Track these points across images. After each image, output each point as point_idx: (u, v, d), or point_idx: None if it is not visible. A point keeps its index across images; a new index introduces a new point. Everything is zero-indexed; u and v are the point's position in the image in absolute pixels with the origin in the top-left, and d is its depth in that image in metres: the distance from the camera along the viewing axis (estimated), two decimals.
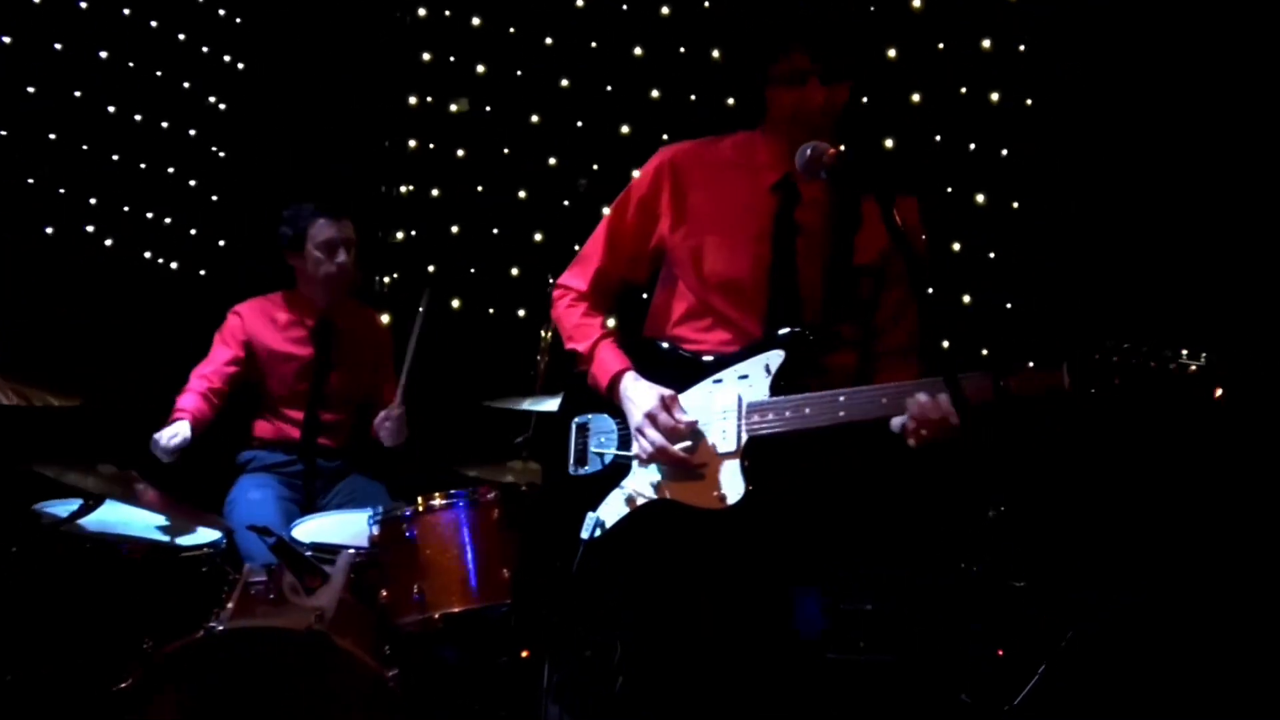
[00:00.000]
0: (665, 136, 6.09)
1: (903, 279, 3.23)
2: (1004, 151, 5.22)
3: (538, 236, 6.38)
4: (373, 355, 5.38)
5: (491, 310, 6.47)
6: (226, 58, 6.45)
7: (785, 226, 3.24)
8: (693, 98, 6.08)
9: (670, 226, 3.36)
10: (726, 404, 3.17)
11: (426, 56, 6.48)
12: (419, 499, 4.15)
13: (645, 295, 3.55)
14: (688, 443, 3.16)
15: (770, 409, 3.11)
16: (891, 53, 5.11)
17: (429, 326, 5.02)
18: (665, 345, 3.36)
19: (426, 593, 4.01)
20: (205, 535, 4.30)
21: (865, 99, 4.58)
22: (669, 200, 3.36)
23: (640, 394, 3.21)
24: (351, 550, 4.14)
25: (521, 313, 6.40)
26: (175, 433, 4.69)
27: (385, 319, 5.96)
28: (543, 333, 5.44)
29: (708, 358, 3.26)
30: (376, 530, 4.14)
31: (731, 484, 3.10)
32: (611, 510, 3.23)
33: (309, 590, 3.82)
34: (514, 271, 6.46)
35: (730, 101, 5.96)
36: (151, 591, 4.12)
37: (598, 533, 3.18)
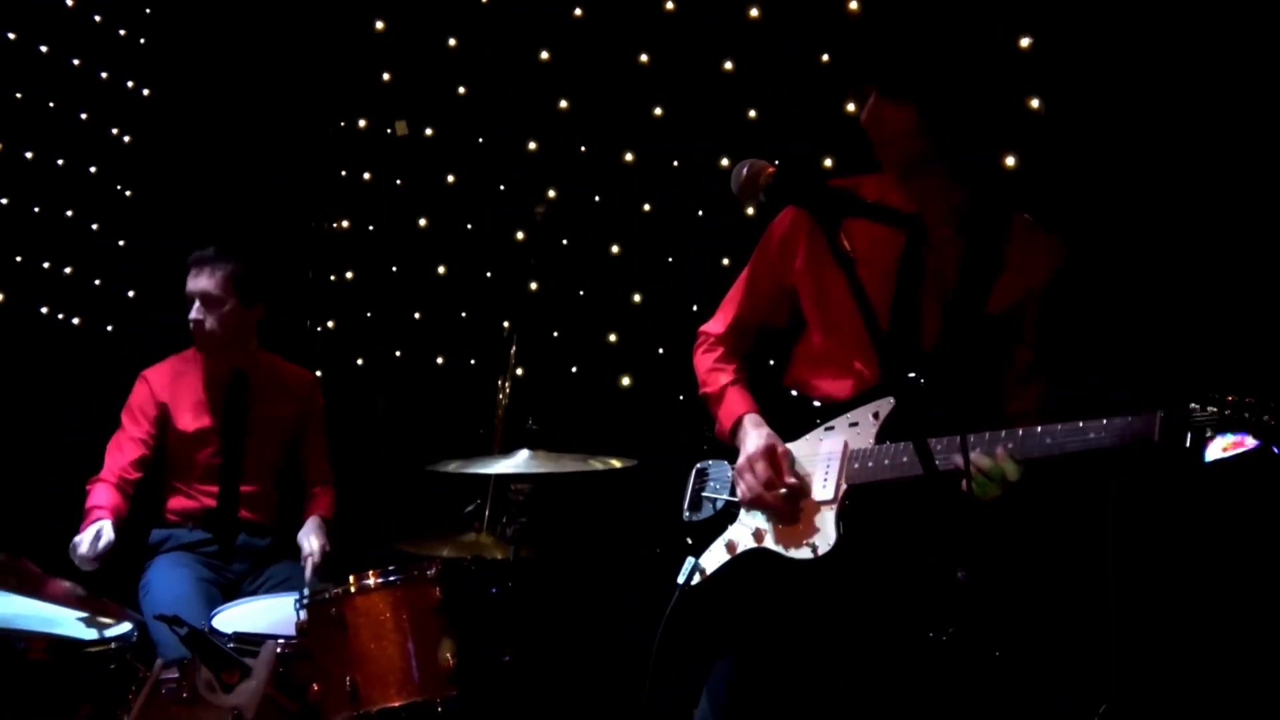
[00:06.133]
0: (630, 157, 6.16)
1: (1036, 337, 3.46)
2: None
3: (489, 274, 6.36)
4: (292, 420, 5.42)
5: (440, 360, 6.48)
6: (130, 83, 6.48)
7: (910, 269, 3.42)
8: (658, 111, 6.08)
9: (804, 265, 3.59)
10: (832, 451, 3.41)
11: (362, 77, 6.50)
12: (350, 578, 4.18)
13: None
14: (784, 491, 3.38)
15: (872, 457, 3.33)
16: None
17: None
18: (792, 393, 3.62)
19: (360, 685, 4.03)
20: (113, 628, 4.23)
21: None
22: (806, 238, 3.58)
23: (751, 438, 3.49)
24: (278, 640, 4.13)
25: (473, 361, 6.39)
26: (98, 534, 4.71)
27: (318, 374, 6.00)
28: (500, 383, 5.49)
29: (822, 404, 3.51)
30: (304, 615, 4.14)
31: (825, 533, 3.33)
32: (713, 557, 3.53)
33: (227, 687, 3.85)
34: (463, 314, 6.45)
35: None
36: (52, 694, 4.04)
37: (695, 578, 3.46)
